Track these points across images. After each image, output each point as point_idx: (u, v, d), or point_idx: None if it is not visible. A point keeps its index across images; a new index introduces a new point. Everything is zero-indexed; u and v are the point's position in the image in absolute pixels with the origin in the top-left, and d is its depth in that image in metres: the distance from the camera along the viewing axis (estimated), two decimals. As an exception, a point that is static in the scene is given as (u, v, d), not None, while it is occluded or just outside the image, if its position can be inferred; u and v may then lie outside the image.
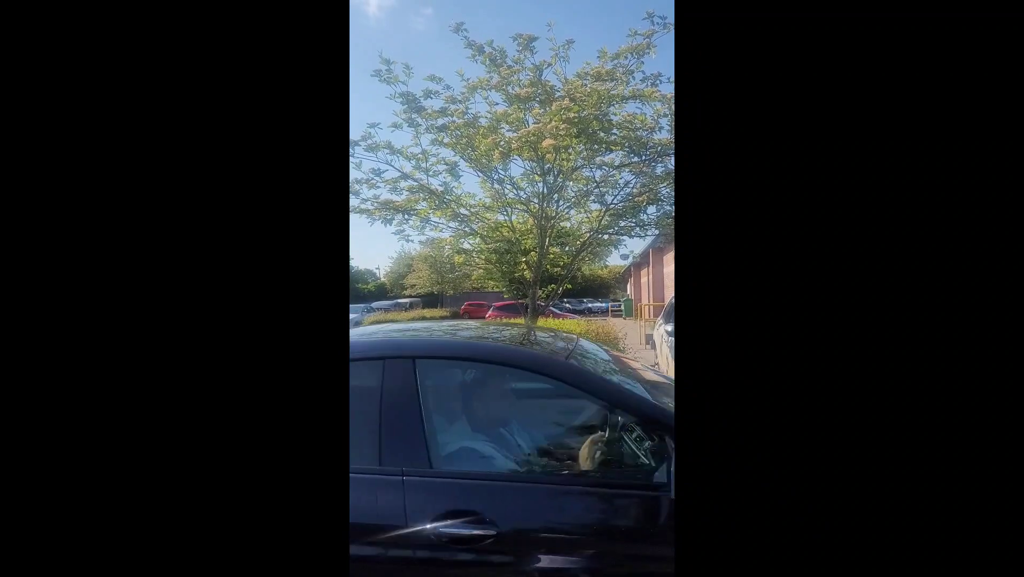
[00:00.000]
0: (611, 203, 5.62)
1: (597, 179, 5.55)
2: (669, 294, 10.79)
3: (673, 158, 5.15)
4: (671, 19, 4.81)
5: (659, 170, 5.25)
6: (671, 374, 5.73)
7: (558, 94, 4.67)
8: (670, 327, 6.10)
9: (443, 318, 21.60)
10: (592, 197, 5.74)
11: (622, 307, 25.21)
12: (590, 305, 32.67)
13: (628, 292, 31.61)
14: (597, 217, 5.79)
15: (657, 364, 7.33)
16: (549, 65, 4.91)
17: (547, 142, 4.05)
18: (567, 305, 29.17)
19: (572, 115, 4.17)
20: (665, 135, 4.87)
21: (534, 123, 4.65)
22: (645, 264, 23.89)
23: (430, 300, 32.50)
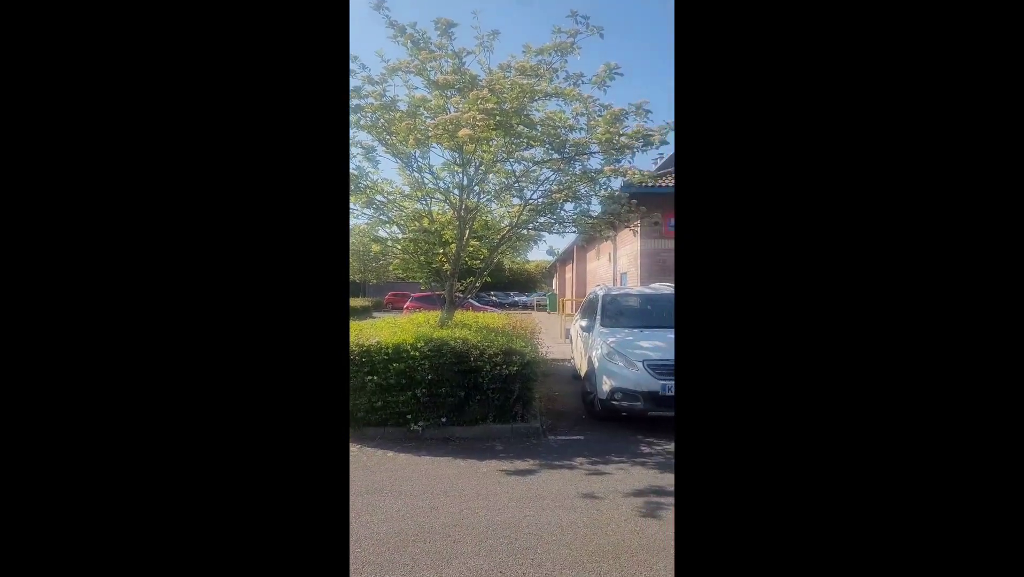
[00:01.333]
0: (530, 198, 5.64)
1: (517, 173, 5.55)
2: (590, 289, 11.12)
3: (590, 159, 5.25)
4: (595, 20, 4.89)
5: (577, 169, 5.34)
6: (583, 368, 5.91)
7: (481, 84, 4.60)
8: (584, 322, 6.27)
9: (364, 308, 20.85)
10: (512, 191, 5.73)
11: (547, 301, 25.71)
12: (517, 298, 32.99)
13: (553, 287, 32.26)
14: (517, 212, 5.79)
15: (572, 359, 7.53)
16: (470, 53, 4.82)
17: (464, 132, 3.97)
18: (493, 298, 29.24)
19: (490, 106, 4.12)
20: (582, 135, 4.95)
21: (454, 111, 4.55)
22: (570, 260, 24.49)
23: (352, 288, 31.28)
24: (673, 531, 2.70)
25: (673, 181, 10.49)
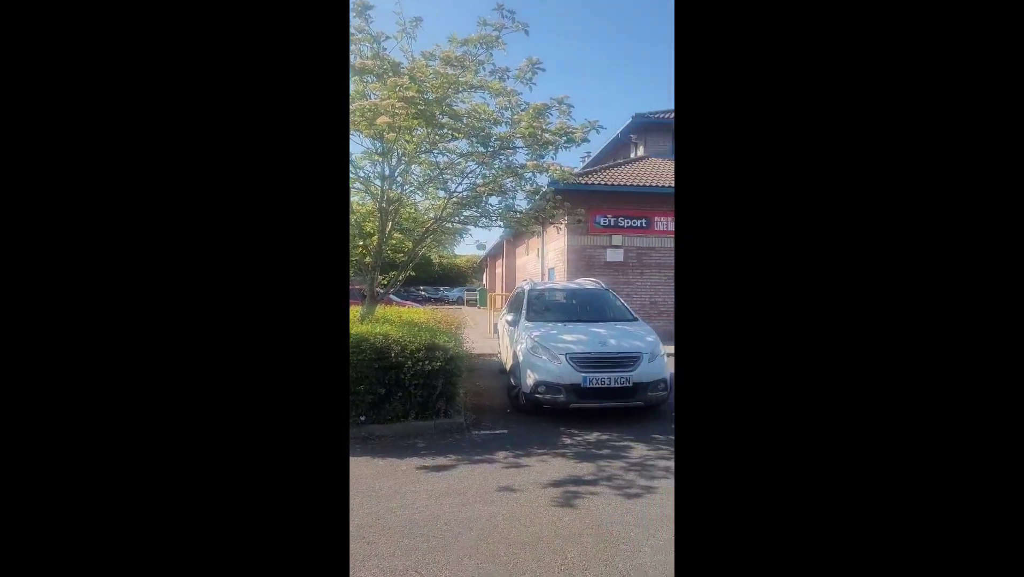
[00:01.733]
0: (455, 191, 5.57)
1: (441, 165, 5.45)
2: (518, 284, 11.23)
3: (515, 153, 5.27)
4: (520, 16, 4.89)
5: (503, 163, 5.33)
6: (508, 362, 5.95)
7: (403, 71, 4.45)
8: (510, 317, 6.30)
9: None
10: (437, 184, 5.62)
11: (477, 296, 25.63)
12: (446, 293, 32.59)
13: (484, 282, 32.21)
14: (443, 205, 5.69)
15: (499, 353, 7.56)
16: (389, 38, 4.65)
17: (382, 119, 3.82)
18: (422, 292, 28.70)
19: (411, 94, 3.99)
20: (507, 129, 4.94)
21: (374, 98, 4.37)
22: (500, 255, 24.59)
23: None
24: (588, 518, 2.79)
25: (596, 180, 10.80)
